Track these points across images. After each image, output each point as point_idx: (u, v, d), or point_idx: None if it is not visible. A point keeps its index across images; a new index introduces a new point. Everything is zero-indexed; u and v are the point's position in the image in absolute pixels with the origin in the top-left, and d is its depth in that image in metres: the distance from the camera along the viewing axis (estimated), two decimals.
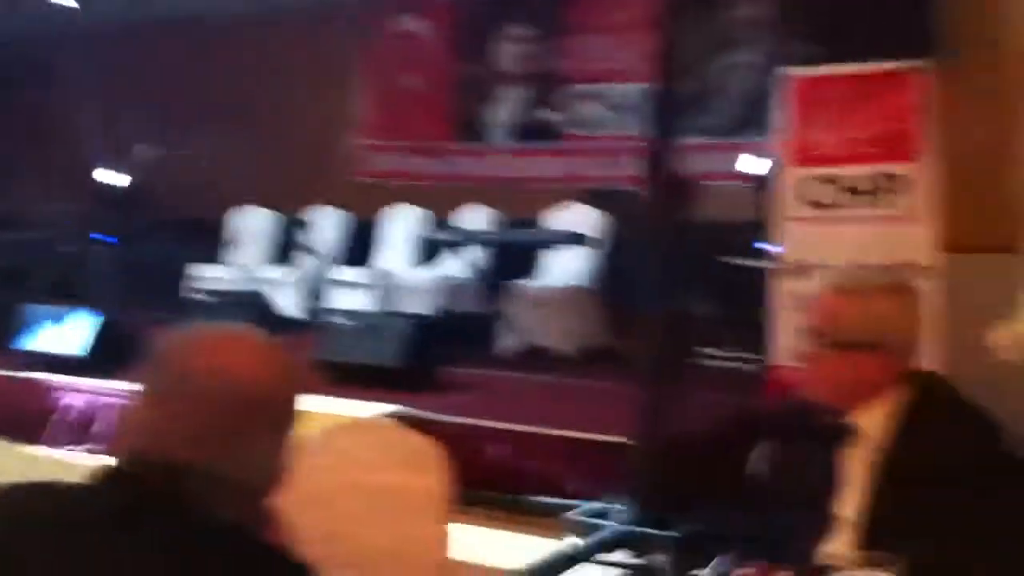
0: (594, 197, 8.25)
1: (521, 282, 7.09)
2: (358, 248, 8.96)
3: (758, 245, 5.25)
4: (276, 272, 8.96)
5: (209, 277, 8.93)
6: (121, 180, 9.29)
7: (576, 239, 7.02)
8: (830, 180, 4.10)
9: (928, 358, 2.39)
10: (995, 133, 4.48)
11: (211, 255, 9.49)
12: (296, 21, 10.11)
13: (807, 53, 4.27)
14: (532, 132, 9.69)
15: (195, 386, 1.42)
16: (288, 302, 8.48)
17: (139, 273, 9.59)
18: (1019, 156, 4.47)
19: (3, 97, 11.72)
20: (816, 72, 4.20)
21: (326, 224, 9.16)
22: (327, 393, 5.28)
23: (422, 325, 6.02)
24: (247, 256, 9.35)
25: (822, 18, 4.26)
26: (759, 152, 7.04)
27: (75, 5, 5.86)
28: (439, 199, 9.10)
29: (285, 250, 9.28)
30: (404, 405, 5.13)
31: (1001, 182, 4.40)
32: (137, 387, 1.47)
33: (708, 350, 6.69)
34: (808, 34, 4.32)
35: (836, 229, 4.02)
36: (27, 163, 10.59)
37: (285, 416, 1.49)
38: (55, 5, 5.86)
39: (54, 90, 10.59)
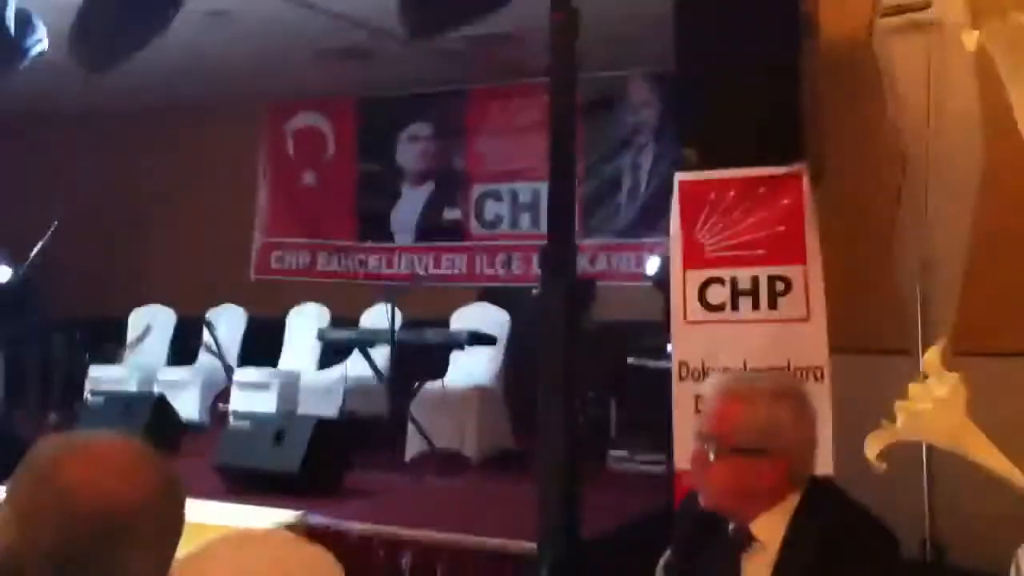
0: (499, 296, 8.31)
1: (426, 383, 7.06)
2: (261, 347, 8.84)
3: (662, 346, 5.33)
4: (177, 373, 8.78)
5: (107, 378, 8.70)
6: (7, 276, 9.05)
7: (480, 339, 7.04)
8: (721, 282, 4.19)
9: (819, 461, 2.42)
10: (873, 238, 4.69)
11: (110, 355, 9.27)
12: (199, 115, 10.12)
13: (692, 157, 4.39)
14: (436, 231, 9.77)
15: (63, 498, 1.33)
16: (188, 404, 8.31)
17: (31, 376, 9.34)
18: (897, 258, 4.66)
19: None
20: (701, 176, 4.31)
21: (229, 323, 9.03)
22: (225, 500, 5.16)
23: (323, 428, 5.93)
24: (147, 356, 9.15)
25: (705, 123, 4.40)
26: (659, 253, 7.20)
27: None
28: (343, 297, 9.08)
29: (187, 351, 9.11)
30: (305, 512, 5.03)
31: (883, 284, 4.58)
32: (4, 492, 1.38)
33: (616, 452, 6.74)
34: (692, 139, 4.46)
35: (730, 331, 4.10)
36: None
37: (162, 533, 1.41)
38: None
39: None
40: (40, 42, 5.60)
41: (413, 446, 6.81)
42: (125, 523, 1.35)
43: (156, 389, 8.36)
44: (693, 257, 4.24)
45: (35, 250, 6.74)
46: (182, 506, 1.46)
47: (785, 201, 4.17)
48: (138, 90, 8.88)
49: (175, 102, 9.97)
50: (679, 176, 4.38)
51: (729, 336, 4.10)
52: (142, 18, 5.16)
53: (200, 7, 5.45)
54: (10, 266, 9.03)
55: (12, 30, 5.39)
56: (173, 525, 1.44)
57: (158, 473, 1.42)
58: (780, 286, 4.10)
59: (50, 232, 6.82)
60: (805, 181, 4.15)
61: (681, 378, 4.13)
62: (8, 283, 9.06)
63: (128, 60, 5.34)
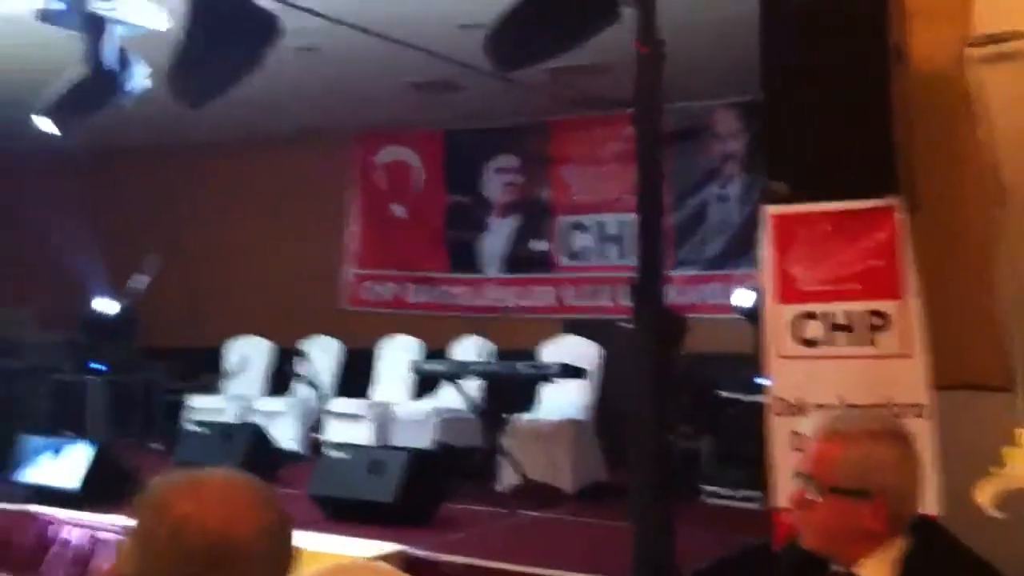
0: (587, 328, 8.30)
1: (516, 415, 7.07)
2: (354, 378, 8.95)
3: (755, 379, 5.26)
4: (272, 403, 8.93)
5: (205, 407, 8.89)
6: (114, 308, 9.32)
7: (570, 371, 7.03)
8: (816, 317, 4.12)
9: (924, 503, 2.36)
10: (969, 271, 4.57)
11: (208, 385, 9.48)
12: (292, 149, 10.32)
13: (782, 189, 4.33)
14: (523, 262, 9.81)
15: (176, 532, 1.38)
16: (284, 434, 8.44)
17: (134, 403, 9.58)
18: (997, 294, 4.54)
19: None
20: (792, 209, 4.24)
21: (322, 354, 9.17)
22: (321, 530, 5.23)
23: (419, 459, 5.97)
24: (243, 386, 9.33)
25: (795, 155, 4.34)
26: (748, 284, 7.13)
27: (57, 132, 5.95)
28: (433, 329, 9.15)
29: (281, 380, 9.27)
30: (400, 542, 5.07)
31: (982, 319, 4.46)
32: (129, 525, 1.45)
33: (709, 487, 6.65)
34: (781, 171, 4.39)
35: (826, 366, 4.03)
36: (20, 292, 10.65)
37: (271, 565, 1.45)
38: (40, 132, 5.97)
39: (46, 219, 10.70)
40: (142, 79, 5.80)
41: (506, 478, 6.82)
42: (236, 556, 1.39)
43: (253, 419, 8.51)
44: (786, 291, 4.18)
45: (139, 281, 6.92)
46: (291, 540, 1.49)
47: (880, 234, 4.10)
48: (233, 125, 9.10)
49: (269, 136, 10.20)
50: (770, 209, 4.32)
51: (825, 372, 4.03)
52: (237, 55, 5.30)
53: (292, 43, 5.56)
54: (115, 299, 9.32)
55: (115, 69, 5.60)
56: (282, 558, 1.47)
57: (268, 508, 1.46)
58: (877, 321, 4.02)
59: (153, 263, 7.00)
60: (900, 214, 4.07)
61: (777, 414, 4.07)
62: (114, 315, 9.34)
63: (224, 95, 5.47)
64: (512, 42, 5.05)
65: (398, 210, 10.53)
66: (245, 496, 1.45)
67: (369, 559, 4.04)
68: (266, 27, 5.29)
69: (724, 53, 6.63)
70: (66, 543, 6.11)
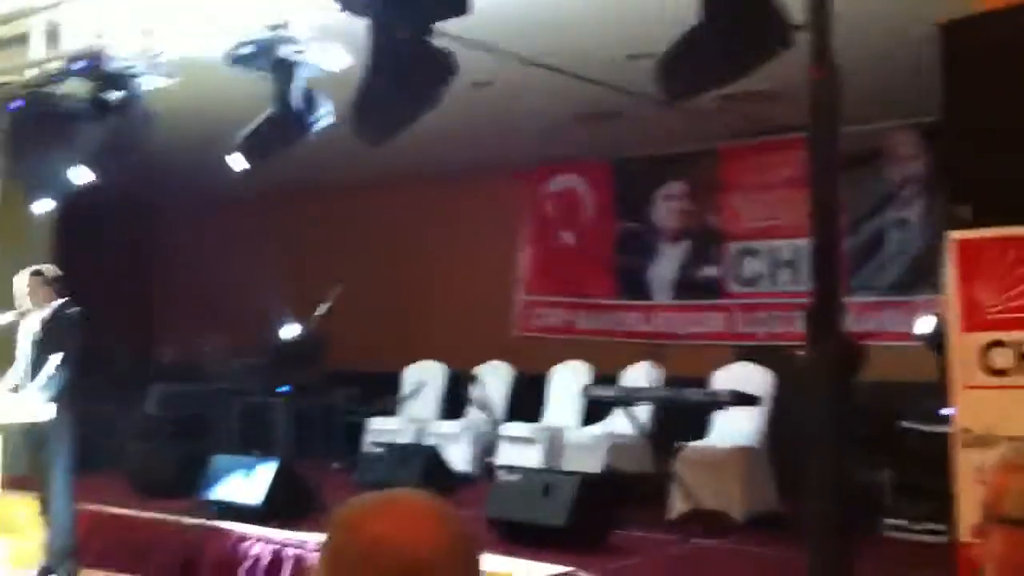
0: (759, 355, 8.15)
1: (688, 442, 7.00)
2: (524, 403, 9.04)
3: (938, 409, 5.06)
4: (447, 426, 9.10)
5: (384, 429, 9.13)
6: (297, 333, 9.66)
7: (743, 399, 6.91)
8: (1005, 345, 3.94)
9: None
10: None
11: (386, 407, 9.73)
12: (465, 180, 10.53)
13: (966, 214, 4.17)
14: (693, 288, 9.71)
15: (368, 552, 1.40)
16: (457, 456, 8.58)
17: (316, 425, 9.91)
18: None
19: (186, 258, 12.49)
20: (978, 235, 4.07)
21: (494, 379, 9.30)
22: (496, 552, 5.29)
23: (591, 484, 5.98)
24: (419, 409, 9.54)
25: (979, 179, 4.18)
26: (930, 311, 6.86)
27: (247, 169, 6.23)
28: (603, 355, 9.15)
29: (455, 404, 9.44)
30: (572, 567, 5.08)
31: None
32: (322, 543, 1.47)
33: (889, 520, 6.42)
34: (965, 195, 4.23)
35: (1017, 397, 3.85)
36: (214, 321, 11.19)
37: None
38: (232, 171, 6.26)
39: (238, 252, 11.23)
40: (326, 116, 6.05)
41: (676, 505, 6.75)
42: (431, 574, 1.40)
43: (428, 441, 8.69)
44: (973, 319, 4.02)
45: (322, 308, 7.19)
46: (478, 561, 1.49)
47: None
48: (410, 160, 9.35)
49: (443, 169, 10.44)
50: (954, 235, 4.17)
51: (1016, 403, 3.85)
52: (416, 93, 5.45)
53: (466, 78, 5.69)
54: (300, 326, 9.67)
55: (301, 108, 5.85)
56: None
57: (456, 529, 1.47)
58: None
59: (335, 292, 7.26)
60: None
61: (964, 445, 3.91)
62: (296, 339, 9.69)
63: (403, 132, 5.62)
64: (683, 71, 5.03)
65: (567, 237, 10.59)
66: (435, 517, 1.46)
67: None
68: (444, 65, 5.43)
69: (901, 74, 6.44)
70: (253, 558, 6.37)
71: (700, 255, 9.75)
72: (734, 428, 7.30)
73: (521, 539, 5.76)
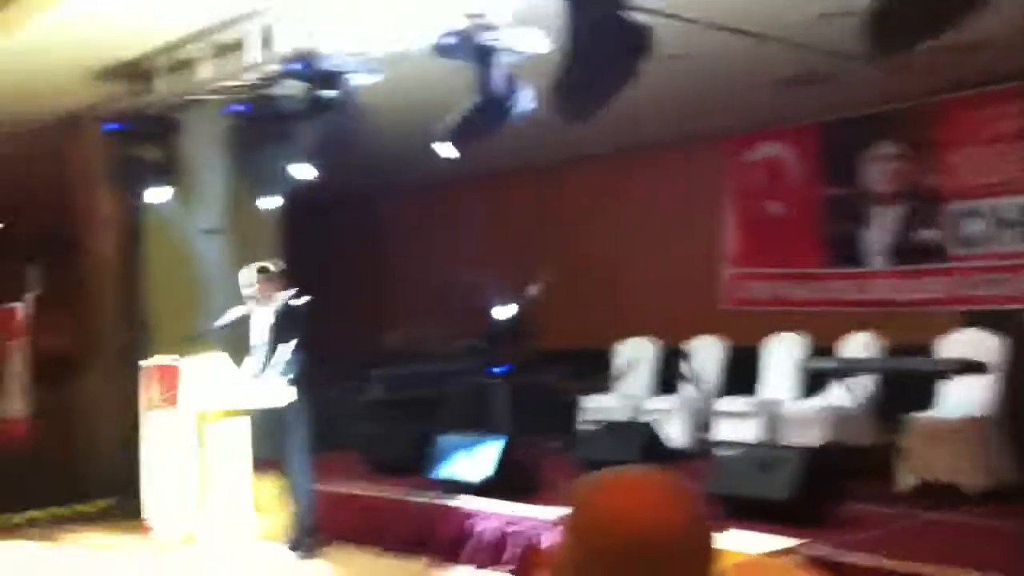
0: (987, 319, 7.60)
1: (914, 413, 6.60)
2: (740, 377, 8.79)
3: None
4: (661, 402, 8.96)
5: (599, 407, 9.08)
6: (510, 313, 9.73)
7: (971, 367, 6.45)
8: None
9: None
10: None
11: (600, 385, 9.69)
12: (666, 153, 10.35)
13: None
14: (911, 253, 9.17)
15: (610, 529, 1.42)
16: (674, 432, 8.43)
17: (533, 403, 9.97)
18: None
19: (406, 246, 12.79)
20: None
21: (707, 353, 9.09)
22: (723, 527, 5.14)
23: (812, 457, 5.73)
24: (633, 386, 9.43)
25: None
26: None
27: (455, 157, 6.27)
28: (818, 326, 8.77)
29: (668, 380, 9.29)
30: (798, 541, 4.87)
31: None
32: (559, 528, 1.49)
33: None
34: None
35: None
36: (434, 305, 11.43)
37: (696, 559, 1.45)
38: (441, 158, 6.32)
39: (454, 237, 11.43)
40: (527, 101, 6.02)
41: (906, 478, 6.39)
42: (666, 552, 1.41)
43: (642, 418, 8.58)
44: None
45: (535, 288, 7.18)
46: (711, 537, 1.48)
47: None
48: (608, 136, 9.25)
49: (642, 143, 10.28)
50: None
51: None
52: (615, 69, 5.34)
53: (661, 51, 5.53)
54: (514, 306, 9.75)
55: (503, 94, 5.84)
56: (706, 554, 1.46)
57: (693, 508, 1.46)
58: None
59: (547, 271, 7.25)
60: None
61: None
62: (511, 319, 9.77)
63: (604, 108, 5.53)
64: (889, 26, 4.71)
65: (773, 207, 10.22)
66: (674, 496, 1.47)
67: (778, 556, 3.92)
68: (641, 40, 5.30)
69: None
70: (480, 533, 6.45)
71: (917, 218, 9.18)
72: (963, 398, 6.84)
73: (743, 514, 5.58)
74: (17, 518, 8.18)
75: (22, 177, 11.59)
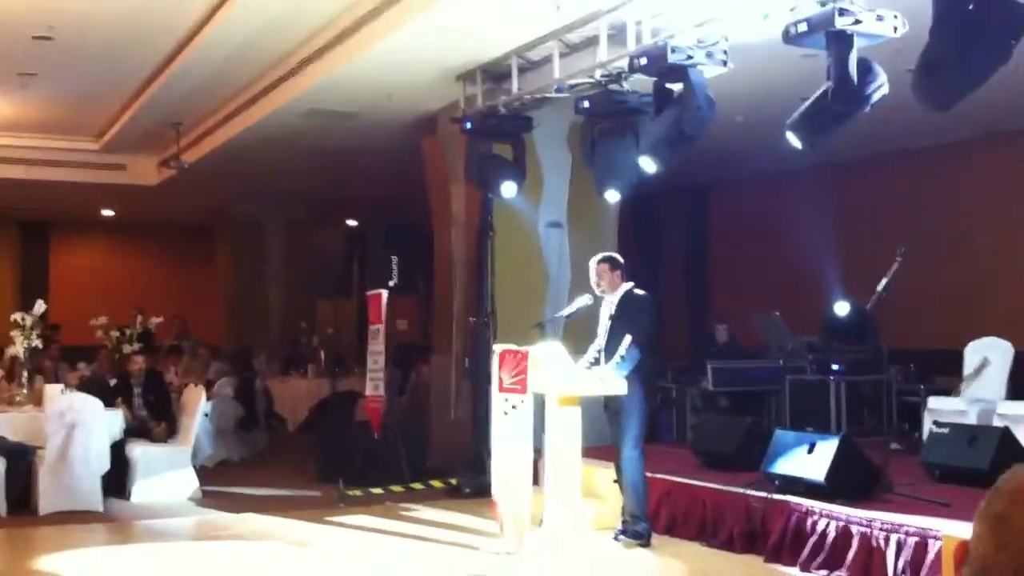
0: None
1: None
2: None
3: None
4: (1017, 407, 8.19)
5: (945, 409, 8.45)
6: (848, 310, 9.25)
7: None
8: None
9: None
10: None
11: (944, 386, 9.03)
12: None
13: None
14: None
15: None
16: None
17: (870, 403, 9.47)
18: None
19: (739, 237, 12.49)
20: None
21: None
22: None
23: None
24: (983, 389, 8.70)
25: None
26: None
27: (801, 147, 5.98)
28: None
29: (1023, 384, 8.49)
30: None
31: None
32: (979, 515, 1.42)
33: None
34: None
35: None
36: (764, 295, 11.11)
37: None
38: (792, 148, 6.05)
39: (797, 227, 11.03)
40: (881, 87, 5.65)
41: None
42: None
43: (995, 422, 7.89)
44: None
45: (882, 284, 6.75)
46: None
47: None
48: (971, 122, 8.58)
49: (1001, 128, 9.47)
50: None
51: None
52: (986, 49, 4.90)
53: None
54: (845, 300, 9.28)
55: (856, 78, 5.51)
56: None
57: None
58: None
59: (894, 267, 6.78)
60: None
61: None
62: (847, 316, 9.29)
63: (972, 93, 5.09)
64: None
65: None
66: None
67: None
68: (1016, 19, 4.83)
69: None
70: (820, 533, 6.16)
71: None
72: None
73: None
74: (376, 490, 8.73)
75: (385, 174, 12.46)
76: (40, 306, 9.12)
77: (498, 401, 6.58)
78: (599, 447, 7.39)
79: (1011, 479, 1.45)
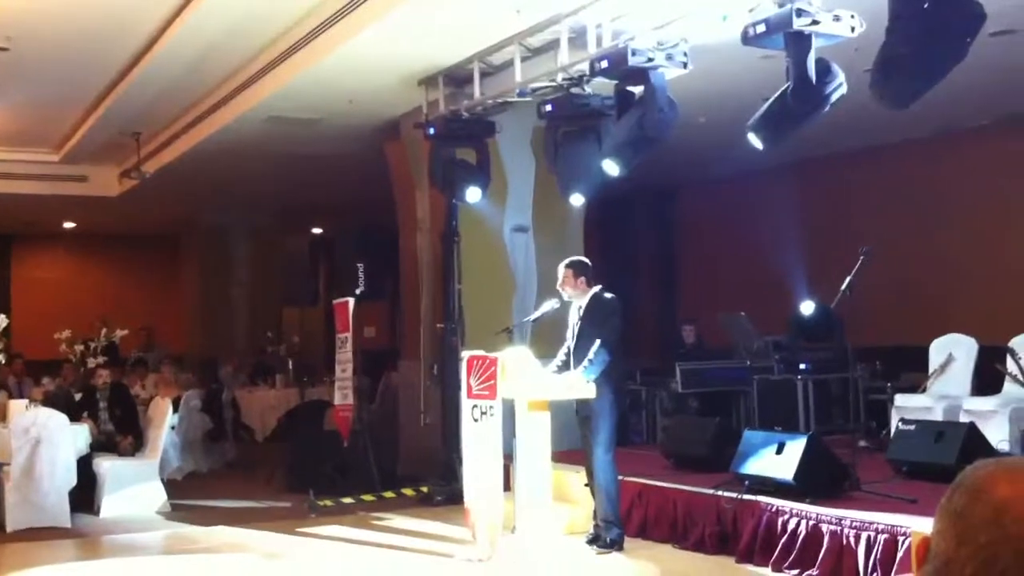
0: None
1: None
2: None
3: None
4: (981, 402, 8.27)
5: (911, 406, 8.52)
6: (814, 308, 9.32)
7: None
8: None
9: None
10: None
11: (911, 384, 9.10)
12: (985, 140, 9.59)
13: None
14: None
15: (995, 514, 1.31)
16: (995, 434, 7.75)
17: (837, 401, 9.53)
18: None
19: (705, 238, 12.54)
20: None
21: None
22: None
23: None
24: (949, 385, 8.77)
25: None
26: None
27: (767, 144, 6.01)
28: None
29: (988, 379, 8.56)
30: None
31: None
32: (939, 511, 1.38)
33: None
34: None
35: None
36: (730, 295, 11.16)
37: None
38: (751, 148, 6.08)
39: (760, 228, 11.09)
40: (840, 87, 5.68)
41: None
42: None
43: (960, 418, 7.96)
44: None
45: (844, 284, 6.80)
46: None
47: None
48: (925, 120, 8.66)
49: (965, 127, 9.57)
50: None
51: None
52: (942, 48, 4.95)
53: (986, 28, 5.07)
54: (811, 299, 9.36)
55: (814, 79, 5.54)
56: None
57: None
58: None
59: (857, 266, 6.84)
60: None
61: None
62: (812, 315, 9.36)
63: (928, 93, 5.14)
64: None
65: None
66: None
67: None
68: (971, 17, 4.88)
69: None
70: (791, 532, 6.19)
71: None
72: None
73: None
74: (347, 500, 8.68)
75: (350, 180, 12.41)
76: (2, 320, 9.01)
77: (467, 407, 6.57)
78: (570, 451, 7.38)
79: (971, 474, 1.41)
